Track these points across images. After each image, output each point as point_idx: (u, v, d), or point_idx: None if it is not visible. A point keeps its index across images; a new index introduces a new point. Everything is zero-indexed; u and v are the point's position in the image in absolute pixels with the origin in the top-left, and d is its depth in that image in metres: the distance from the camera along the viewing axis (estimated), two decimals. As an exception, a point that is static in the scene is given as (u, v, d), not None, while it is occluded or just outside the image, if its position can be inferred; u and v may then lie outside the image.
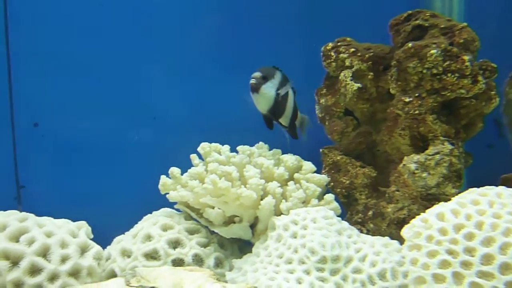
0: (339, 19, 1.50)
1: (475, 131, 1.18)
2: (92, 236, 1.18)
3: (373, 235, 1.11)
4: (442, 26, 1.09)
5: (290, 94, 1.28)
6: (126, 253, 1.16)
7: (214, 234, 1.25)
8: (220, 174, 1.19)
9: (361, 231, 1.15)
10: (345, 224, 1.09)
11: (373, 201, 1.19)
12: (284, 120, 1.29)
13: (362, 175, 1.21)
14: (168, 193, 1.24)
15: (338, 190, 1.24)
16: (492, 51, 1.16)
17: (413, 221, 0.88)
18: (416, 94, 1.09)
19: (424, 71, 1.07)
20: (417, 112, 1.08)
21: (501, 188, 0.86)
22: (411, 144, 1.11)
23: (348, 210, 1.25)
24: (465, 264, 0.78)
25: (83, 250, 1.10)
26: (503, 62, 1.22)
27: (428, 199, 1.05)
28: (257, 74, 1.19)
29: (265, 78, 1.19)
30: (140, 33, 1.50)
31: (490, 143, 1.47)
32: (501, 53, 1.24)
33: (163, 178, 1.26)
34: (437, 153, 1.03)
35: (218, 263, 1.21)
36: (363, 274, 0.96)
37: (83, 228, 1.16)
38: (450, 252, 0.80)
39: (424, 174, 1.04)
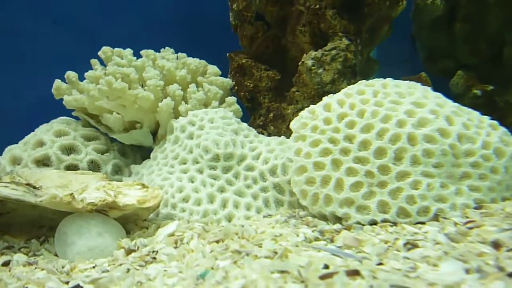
0: None
1: (381, 36, 1.15)
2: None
3: (273, 137, 1.09)
4: None
5: None
6: (16, 161, 1.11)
7: (115, 142, 1.21)
8: (118, 76, 1.13)
9: (262, 134, 1.13)
10: (244, 125, 1.06)
11: (276, 104, 1.16)
12: None
13: (266, 78, 1.17)
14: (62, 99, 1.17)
15: (242, 94, 1.20)
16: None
17: (301, 113, 0.86)
18: (318, -11, 1.03)
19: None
20: (317, 6, 1.03)
21: (388, 79, 0.85)
22: (312, 42, 1.07)
23: (252, 115, 1.22)
24: (344, 151, 0.77)
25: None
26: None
27: (326, 97, 1.03)
28: None
29: None
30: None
31: (406, 58, 1.47)
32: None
33: (57, 81, 1.18)
34: (334, 48, 0.99)
35: (117, 170, 1.17)
36: (255, 171, 0.94)
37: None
38: (331, 141, 0.79)
39: (320, 70, 1.00)
